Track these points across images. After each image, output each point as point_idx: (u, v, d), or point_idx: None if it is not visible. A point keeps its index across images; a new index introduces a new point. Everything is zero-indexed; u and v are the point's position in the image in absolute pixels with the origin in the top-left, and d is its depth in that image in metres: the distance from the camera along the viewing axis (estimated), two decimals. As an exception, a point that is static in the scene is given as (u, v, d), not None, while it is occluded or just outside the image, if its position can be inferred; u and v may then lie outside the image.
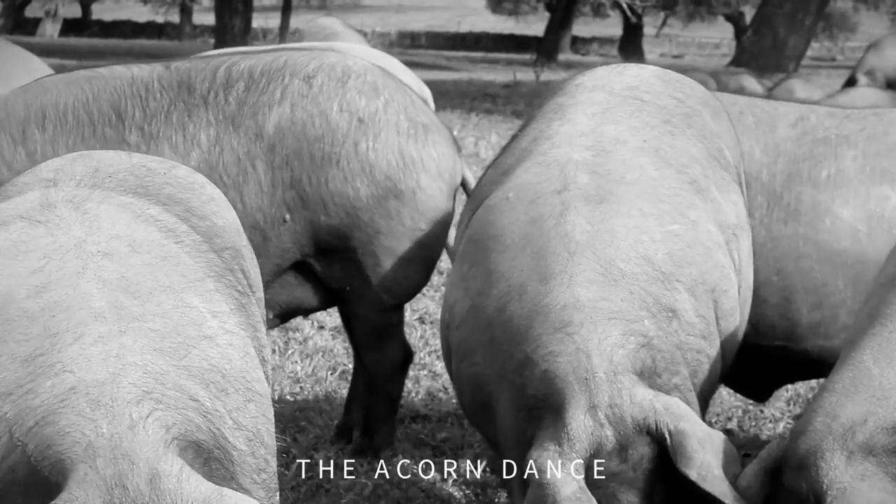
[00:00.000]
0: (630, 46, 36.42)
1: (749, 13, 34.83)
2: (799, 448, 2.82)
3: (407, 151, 4.70)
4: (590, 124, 3.79)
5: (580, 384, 3.08)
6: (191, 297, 2.53)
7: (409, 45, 42.69)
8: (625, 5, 34.54)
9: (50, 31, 38.75)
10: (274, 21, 43.31)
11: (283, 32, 31.96)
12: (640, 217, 3.47)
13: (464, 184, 4.98)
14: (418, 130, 4.75)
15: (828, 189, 4.23)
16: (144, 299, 2.42)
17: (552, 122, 3.87)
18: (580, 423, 3.06)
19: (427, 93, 7.37)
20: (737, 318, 3.69)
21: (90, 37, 38.82)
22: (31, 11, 41.64)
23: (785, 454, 2.87)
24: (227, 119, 4.60)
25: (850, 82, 15.75)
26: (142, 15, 46.87)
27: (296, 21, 34.17)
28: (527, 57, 33.31)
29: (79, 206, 2.66)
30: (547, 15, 36.61)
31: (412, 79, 7.14)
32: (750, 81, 12.80)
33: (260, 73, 4.67)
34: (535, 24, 44.00)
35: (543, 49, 32.26)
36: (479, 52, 38.76)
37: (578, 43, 41.55)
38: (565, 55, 33.77)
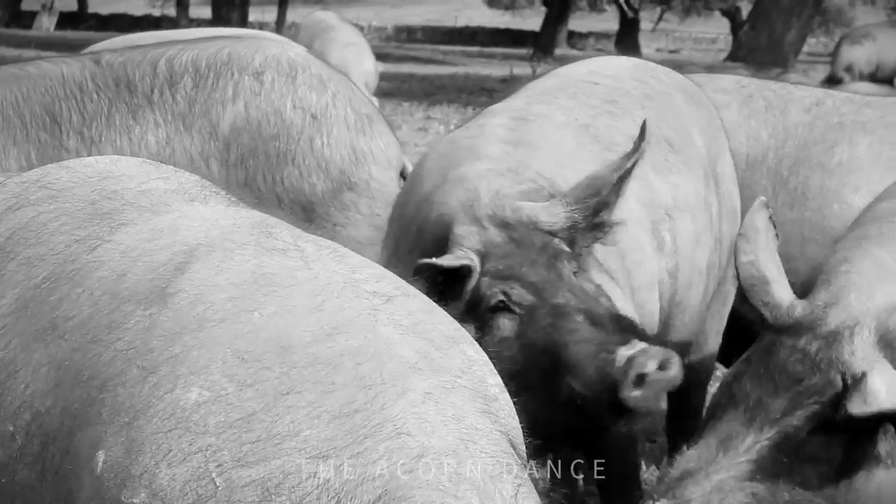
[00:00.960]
0: (626, 41, 36.38)
1: (745, 8, 34.79)
2: (830, 318, 2.84)
3: (358, 145, 4.73)
4: (522, 103, 3.93)
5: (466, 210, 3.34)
6: (467, 348, 2.17)
7: (405, 39, 42.65)
8: (621, 0, 34.53)
9: (46, 24, 38.69)
10: (270, 15, 43.26)
11: (280, 26, 31.93)
12: (557, 165, 3.61)
13: (403, 170, 5.04)
14: (364, 123, 4.78)
15: (838, 174, 4.23)
16: (445, 350, 2.10)
17: (499, 103, 4.04)
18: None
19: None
20: (655, 295, 3.72)
21: (86, 30, 38.73)
22: (27, 5, 41.56)
23: (810, 320, 2.87)
24: (178, 118, 4.57)
25: (833, 80, 15.85)
26: (138, 8, 46.81)
27: (292, 14, 34.12)
28: (523, 51, 33.27)
29: (296, 233, 2.31)
30: (543, 9, 36.57)
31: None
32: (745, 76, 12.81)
33: (206, 67, 4.63)
34: (531, 19, 43.97)
35: (540, 43, 32.24)
36: (475, 46, 38.71)
37: (575, 37, 41.53)
38: (562, 50, 33.73)
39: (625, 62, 4.27)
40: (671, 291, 3.80)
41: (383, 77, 16.96)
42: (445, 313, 2.23)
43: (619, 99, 3.98)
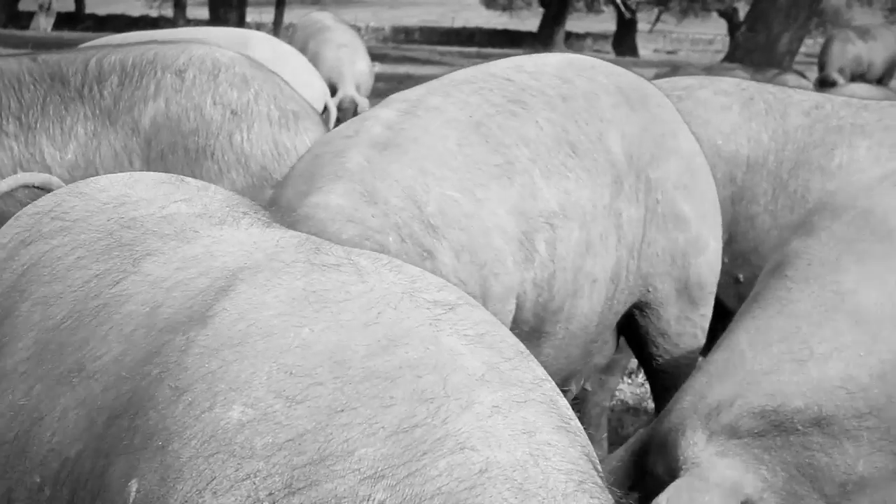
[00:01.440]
0: (624, 42, 36.40)
1: (743, 10, 34.81)
2: (663, 427, 2.82)
3: (280, 141, 4.77)
4: (422, 93, 3.89)
5: None
6: (536, 366, 2.03)
7: (402, 40, 42.63)
8: (619, 1, 34.54)
9: (44, 24, 38.65)
10: (268, 16, 43.23)
11: (277, 27, 31.92)
12: (420, 172, 3.57)
13: None
14: (289, 119, 4.82)
15: (838, 178, 4.24)
16: (515, 363, 1.94)
17: (404, 91, 4.01)
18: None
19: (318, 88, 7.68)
20: (509, 306, 3.70)
21: (84, 31, 38.67)
22: (24, 5, 41.52)
23: (650, 436, 2.87)
24: (104, 113, 4.68)
25: (826, 82, 15.93)
26: (136, 9, 46.77)
27: (290, 16, 34.10)
28: (521, 52, 33.27)
29: (348, 248, 2.18)
30: (541, 10, 36.58)
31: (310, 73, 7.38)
32: (744, 77, 12.83)
33: (132, 66, 4.75)
34: (528, 20, 43.97)
35: (537, 45, 32.24)
36: (472, 47, 38.68)
37: (572, 38, 41.53)
38: (559, 50, 33.75)
39: (557, 60, 4.15)
40: (544, 300, 3.77)
41: (381, 78, 16.94)
42: (508, 331, 2.08)
43: (528, 99, 3.90)
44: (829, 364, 2.80)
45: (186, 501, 1.78)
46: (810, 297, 2.89)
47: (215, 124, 4.70)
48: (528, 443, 1.76)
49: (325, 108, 8.17)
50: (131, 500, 1.84)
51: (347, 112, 11.92)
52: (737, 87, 4.49)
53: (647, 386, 5.01)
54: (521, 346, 2.01)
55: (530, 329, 3.75)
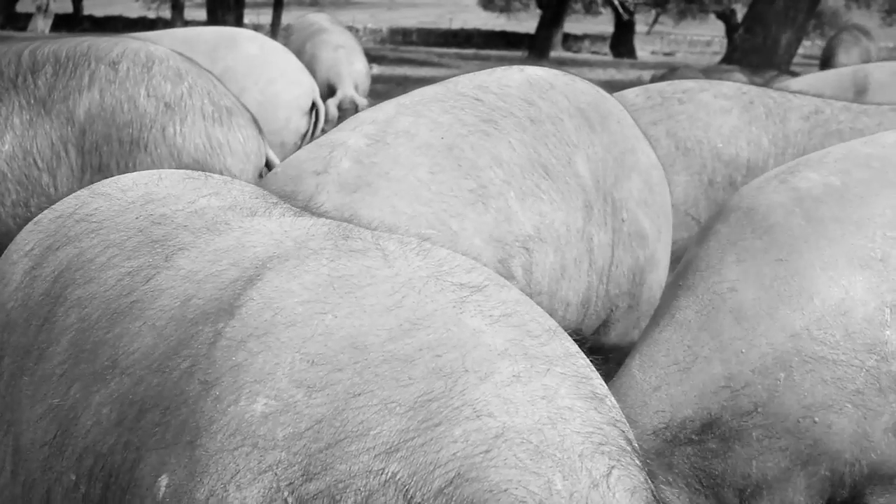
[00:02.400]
0: (621, 44, 36.40)
1: (741, 11, 34.82)
2: None
3: (213, 135, 4.79)
4: (391, 113, 3.81)
5: None
6: (569, 343, 2.01)
7: (400, 41, 42.63)
8: (616, 2, 34.55)
9: (41, 26, 38.61)
10: (266, 17, 43.23)
11: (275, 29, 31.90)
12: (392, 213, 3.50)
13: (268, 164, 5.07)
14: (223, 114, 4.85)
15: None
16: (543, 339, 1.92)
17: (369, 111, 3.93)
18: None
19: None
20: None
21: (81, 32, 38.71)
22: (22, 6, 41.51)
23: None
24: (39, 103, 4.70)
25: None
26: (133, 10, 46.76)
27: (287, 17, 34.09)
28: (518, 54, 33.26)
29: (377, 234, 2.16)
30: (538, 12, 36.57)
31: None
32: (741, 79, 12.85)
33: (66, 58, 4.77)
34: (526, 22, 43.97)
35: (535, 46, 32.24)
36: (470, 48, 38.70)
37: (570, 40, 41.52)
38: (557, 52, 33.74)
39: (518, 81, 4.06)
40: None
41: (379, 79, 16.92)
42: (542, 310, 2.06)
43: (500, 119, 3.84)
44: (711, 365, 2.80)
45: (212, 495, 1.79)
46: (694, 303, 2.89)
47: (149, 117, 4.72)
48: (548, 408, 1.74)
49: (314, 105, 8.14)
50: (161, 495, 1.85)
51: (348, 112, 11.90)
52: (737, 90, 4.49)
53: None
54: (553, 324, 1.99)
55: None
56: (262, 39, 8.41)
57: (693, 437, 2.81)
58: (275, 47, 8.35)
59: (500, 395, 1.74)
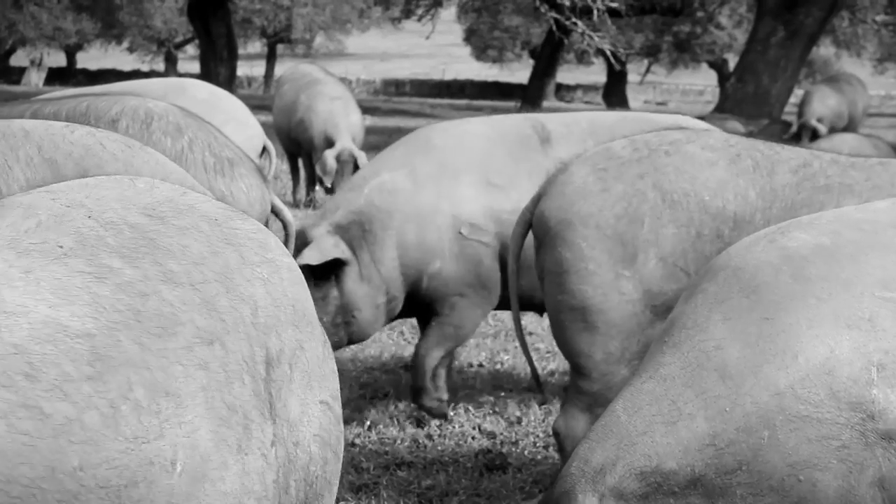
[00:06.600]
0: (614, 93, 36.55)
1: (732, 60, 35.00)
2: (555, 493, 2.85)
3: (216, 187, 4.80)
4: None
5: None
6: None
7: (393, 92, 42.80)
8: (609, 52, 34.72)
9: (35, 79, 38.78)
10: (259, 69, 43.42)
11: (268, 80, 32.03)
12: None
13: (275, 210, 5.08)
14: (224, 165, 4.85)
15: None
16: None
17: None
18: None
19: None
20: None
21: (75, 85, 38.85)
22: (16, 60, 41.71)
23: (547, 501, 2.89)
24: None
25: (806, 127, 16.44)
26: (126, 63, 46.98)
27: (280, 69, 34.24)
28: (511, 104, 33.39)
29: None
30: (531, 62, 36.75)
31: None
32: (736, 126, 12.90)
33: (65, 119, 4.73)
34: (518, 72, 44.18)
35: (528, 96, 32.36)
36: (463, 99, 38.88)
37: (563, 90, 41.71)
38: (549, 102, 33.87)
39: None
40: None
41: (372, 131, 16.96)
42: None
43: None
44: (696, 422, 2.78)
45: None
46: (679, 360, 2.87)
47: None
48: None
49: (265, 149, 8.33)
50: None
51: (346, 164, 11.93)
52: (724, 142, 4.46)
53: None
54: None
55: None
56: (210, 87, 8.63)
57: (676, 489, 2.79)
58: (223, 93, 8.58)
59: None
